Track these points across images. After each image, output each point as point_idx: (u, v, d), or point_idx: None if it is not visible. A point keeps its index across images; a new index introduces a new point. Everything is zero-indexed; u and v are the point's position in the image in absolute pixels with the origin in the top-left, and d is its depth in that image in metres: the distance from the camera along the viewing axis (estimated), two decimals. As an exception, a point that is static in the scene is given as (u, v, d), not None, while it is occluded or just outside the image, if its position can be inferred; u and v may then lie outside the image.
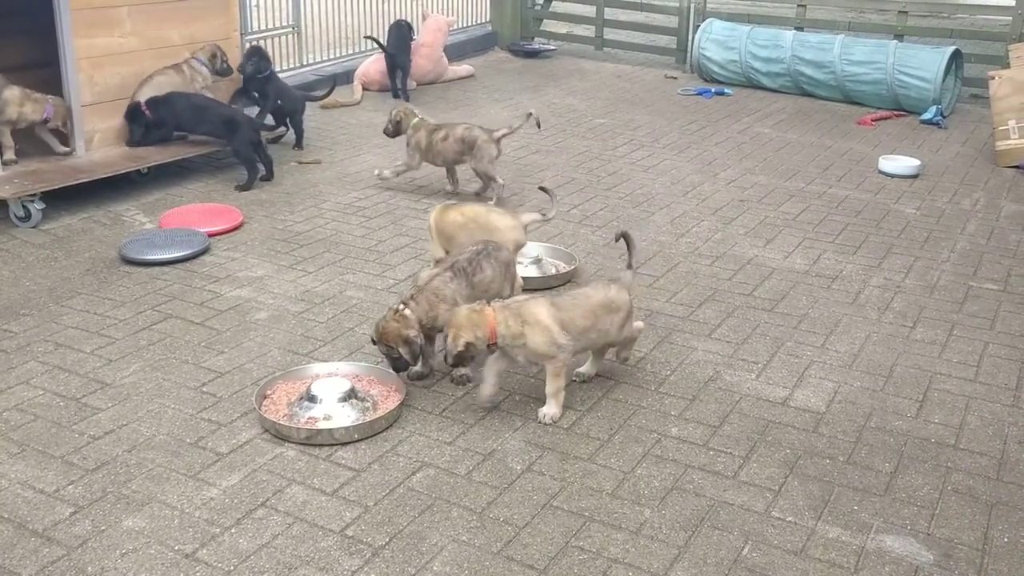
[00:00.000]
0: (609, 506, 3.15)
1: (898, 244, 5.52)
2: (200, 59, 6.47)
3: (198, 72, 6.44)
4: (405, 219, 5.70)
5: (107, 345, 4.10)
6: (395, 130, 6.16)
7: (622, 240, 4.04)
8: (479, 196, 6.04)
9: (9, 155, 5.66)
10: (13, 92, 5.65)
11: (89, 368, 3.91)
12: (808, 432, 3.60)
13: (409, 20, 9.37)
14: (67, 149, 5.94)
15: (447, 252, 4.41)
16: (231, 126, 6.09)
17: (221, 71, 6.58)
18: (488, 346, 3.53)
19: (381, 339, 3.70)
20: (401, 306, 3.73)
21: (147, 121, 6.08)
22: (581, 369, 3.88)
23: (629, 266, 3.95)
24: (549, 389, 3.60)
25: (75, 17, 5.75)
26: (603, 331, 3.70)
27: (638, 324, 3.95)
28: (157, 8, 6.27)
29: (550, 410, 3.60)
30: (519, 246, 4.49)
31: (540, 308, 3.55)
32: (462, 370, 3.80)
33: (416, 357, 3.72)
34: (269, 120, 6.70)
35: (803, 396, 3.85)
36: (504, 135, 5.98)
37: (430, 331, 3.80)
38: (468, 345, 3.49)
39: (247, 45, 7.84)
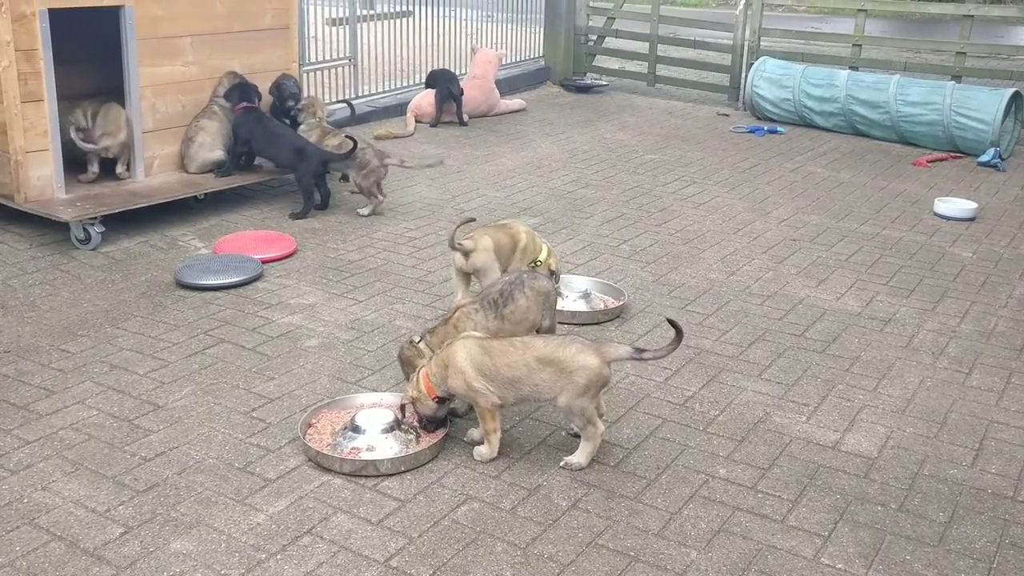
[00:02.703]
0: (655, 546, 3.11)
1: (954, 288, 5.42)
2: (222, 96, 6.39)
3: (228, 109, 6.36)
4: (455, 250, 5.73)
5: (160, 368, 4.17)
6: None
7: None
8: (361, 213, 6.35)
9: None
10: None
11: (142, 390, 3.98)
12: (859, 478, 3.54)
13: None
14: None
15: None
16: (300, 155, 6.19)
17: None
18: (438, 400, 3.53)
19: (400, 363, 3.88)
20: (417, 338, 3.84)
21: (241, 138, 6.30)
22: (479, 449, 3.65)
23: (640, 351, 3.47)
24: (482, 429, 3.54)
25: (141, 46, 5.92)
26: (537, 388, 3.42)
27: (600, 427, 3.49)
28: (219, 39, 6.42)
29: (483, 450, 3.55)
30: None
31: (461, 351, 3.46)
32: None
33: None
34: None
35: (854, 440, 3.79)
36: (392, 164, 6.33)
37: None
38: (413, 400, 3.54)
39: (304, 76, 8.04)
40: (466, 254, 4.43)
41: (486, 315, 3.81)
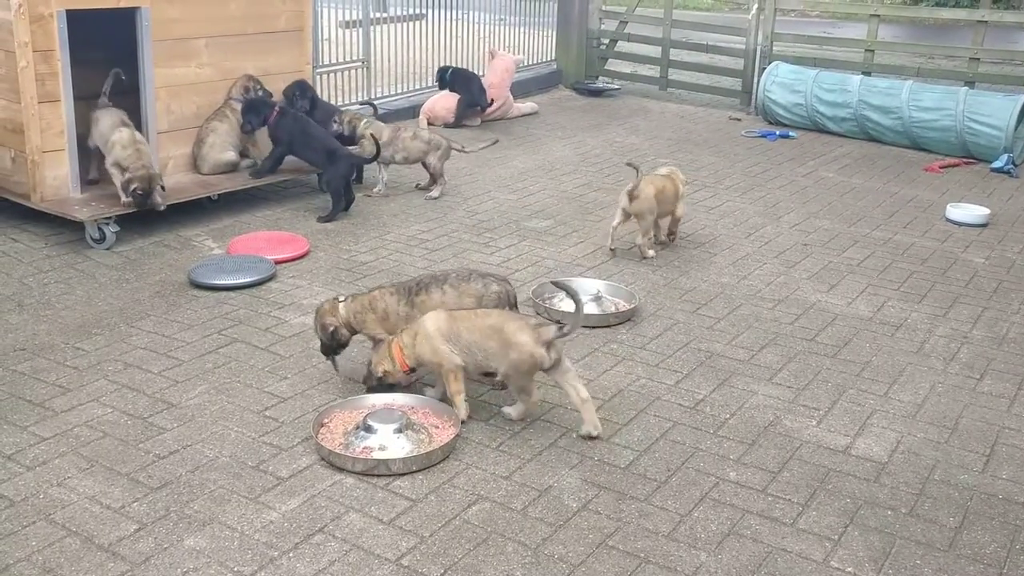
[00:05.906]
0: (665, 548, 3.12)
1: (965, 294, 5.42)
2: (236, 98, 6.40)
3: (239, 112, 6.37)
4: (467, 252, 5.76)
5: (174, 367, 4.20)
6: (350, 134, 6.68)
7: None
8: (421, 188, 6.95)
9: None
10: (123, 135, 5.64)
11: (156, 388, 4.01)
12: (869, 482, 3.54)
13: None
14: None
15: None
16: (331, 157, 6.23)
17: None
18: (409, 371, 3.81)
19: (315, 315, 4.08)
20: (341, 297, 4.08)
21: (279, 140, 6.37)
22: (506, 409, 3.88)
23: (559, 325, 3.65)
24: (448, 392, 3.79)
25: (156, 48, 5.96)
26: (487, 354, 3.67)
27: (584, 394, 3.69)
28: (233, 40, 6.46)
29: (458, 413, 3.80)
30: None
31: (430, 321, 3.75)
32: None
33: (327, 348, 4.05)
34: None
35: (865, 445, 3.79)
36: (455, 148, 6.87)
37: (354, 332, 4.05)
38: (385, 373, 3.82)
39: (318, 79, 8.08)
40: (632, 198, 5.51)
41: (398, 300, 4.02)
